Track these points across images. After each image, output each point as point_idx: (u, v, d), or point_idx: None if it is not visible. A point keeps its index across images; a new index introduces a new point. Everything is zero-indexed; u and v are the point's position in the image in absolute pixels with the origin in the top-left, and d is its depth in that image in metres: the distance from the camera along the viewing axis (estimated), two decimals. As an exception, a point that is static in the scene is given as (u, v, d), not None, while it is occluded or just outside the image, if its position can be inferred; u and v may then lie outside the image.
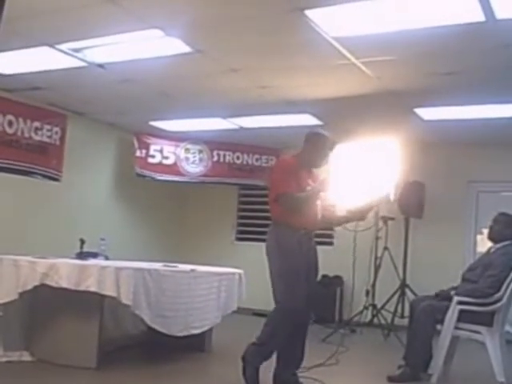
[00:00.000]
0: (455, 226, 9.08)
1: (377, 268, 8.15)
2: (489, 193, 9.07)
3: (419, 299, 5.83)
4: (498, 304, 5.06)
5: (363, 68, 5.93)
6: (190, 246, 10.51)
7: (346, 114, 7.74)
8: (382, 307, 8.08)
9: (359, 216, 5.16)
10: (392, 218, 8.38)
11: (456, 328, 5.18)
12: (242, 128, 8.78)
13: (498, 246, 5.49)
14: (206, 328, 5.94)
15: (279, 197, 4.62)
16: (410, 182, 8.49)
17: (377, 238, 8.21)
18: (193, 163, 9.93)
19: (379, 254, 8.20)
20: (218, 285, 6.01)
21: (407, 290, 8.17)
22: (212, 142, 9.96)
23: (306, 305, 4.73)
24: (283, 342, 4.67)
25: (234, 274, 6.33)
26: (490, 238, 5.67)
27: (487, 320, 5.13)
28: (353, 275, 7.06)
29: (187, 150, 9.92)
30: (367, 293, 8.09)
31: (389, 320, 8.00)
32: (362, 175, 7.75)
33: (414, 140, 8.61)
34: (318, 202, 4.88)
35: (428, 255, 8.95)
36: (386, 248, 8.20)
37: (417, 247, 8.88)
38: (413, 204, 8.56)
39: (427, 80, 6.24)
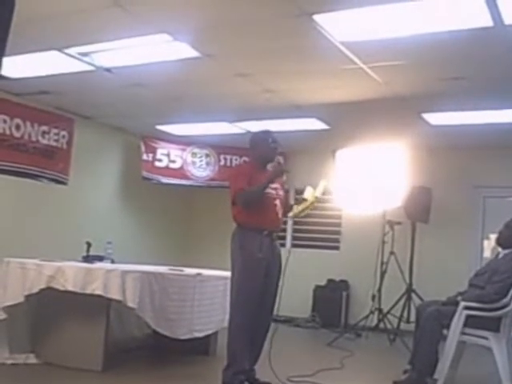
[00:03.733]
0: (461, 231, 9.06)
1: (383, 273, 8.13)
2: (495, 198, 9.05)
3: (425, 304, 5.81)
4: (505, 309, 5.02)
5: (371, 73, 5.93)
6: (196, 250, 10.53)
7: (353, 118, 7.74)
8: (389, 312, 8.06)
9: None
10: (398, 223, 8.36)
11: (462, 333, 5.16)
12: (249, 132, 8.78)
13: (506, 251, 5.47)
14: (209, 332, 5.94)
15: (235, 198, 4.74)
16: (417, 187, 8.48)
17: (383, 243, 8.19)
18: (199, 167, 9.96)
19: (385, 259, 8.17)
20: (224, 289, 6.00)
21: (413, 295, 8.14)
22: (219, 147, 9.99)
23: (266, 307, 4.84)
24: (247, 347, 4.73)
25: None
26: (499, 243, 5.64)
27: (494, 325, 5.10)
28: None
29: (194, 154, 9.95)
30: (373, 297, 8.07)
31: (395, 325, 7.98)
32: (368, 179, 7.82)
33: (421, 145, 8.62)
34: (278, 202, 4.90)
35: (434, 260, 8.94)
36: (392, 252, 8.18)
37: (423, 252, 8.87)
38: (419, 209, 8.55)
39: (435, 85, 6.24)
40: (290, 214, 5.25)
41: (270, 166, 4.94)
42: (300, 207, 5.16)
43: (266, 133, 5.08)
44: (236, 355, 4.66)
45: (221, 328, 6.09)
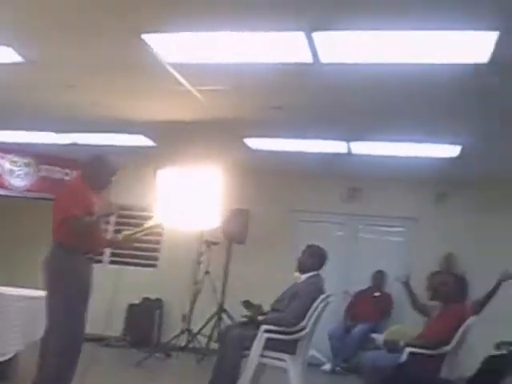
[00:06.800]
0: (276, 252, 9.24)
1: (196, 292, 8.19)
2: (307, 222, 9.49)
3: (227, 329, 5.88)
4: (302, 333, 5.25)
5: (197, 95, 6.04)
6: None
7: (179, 137, 7.81)
8: (199, 332, 8.13)
9: (131, 242, 5.41)
10: (215, 243, 8.46)
11: (262, 356, 5.30)
12: (76, 144, 8.58)
13: (306, 276, 5.69)
14: (11, 355, 5.33)
15: (67, 219, 4.49)
16: (235, 209, 8.69)
17: (198, 263, 8.26)
18: (17, 176, 9.47)
19: (200, 278, 8.25)
20: (25, 309, 5.40)
21: (224, 315, 8.27)
22: (41, 156, 9.53)
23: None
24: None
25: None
26: (299, 268, 5.84)
27: (291, 348, 5.29)
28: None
29: (13, 162, 9.43)
30: (183, 317, 8.11)
31: (204, 344, 8.06)
32: (185, 199, 7.88)
33: (241, 168, 8.86)
34: (103, 227, 4.95)
35: (247, 280, 9.02)
36: (207, 272, 8.29)
37: (238, 272, 8.95)
38: (236, 230, 8.74)
39: (257, 112, 6.50)
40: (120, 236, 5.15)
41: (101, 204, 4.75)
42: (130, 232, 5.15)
43: (111, 163, 4.91)
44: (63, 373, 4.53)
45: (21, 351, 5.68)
